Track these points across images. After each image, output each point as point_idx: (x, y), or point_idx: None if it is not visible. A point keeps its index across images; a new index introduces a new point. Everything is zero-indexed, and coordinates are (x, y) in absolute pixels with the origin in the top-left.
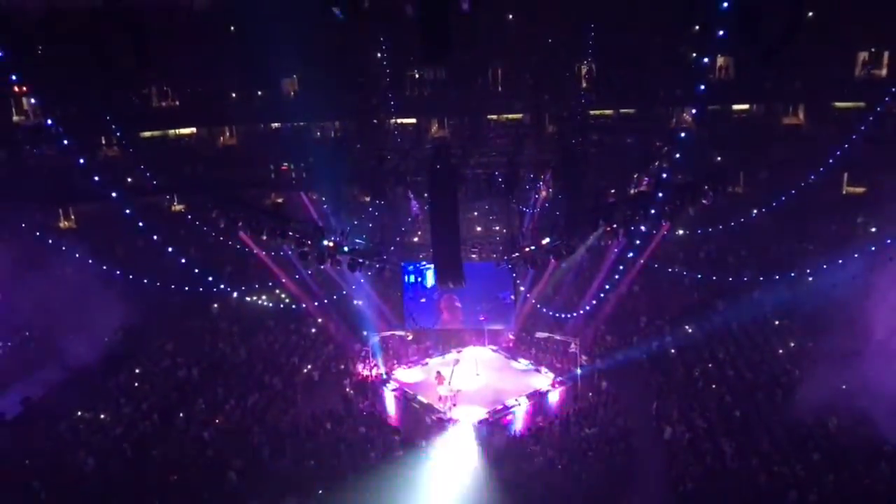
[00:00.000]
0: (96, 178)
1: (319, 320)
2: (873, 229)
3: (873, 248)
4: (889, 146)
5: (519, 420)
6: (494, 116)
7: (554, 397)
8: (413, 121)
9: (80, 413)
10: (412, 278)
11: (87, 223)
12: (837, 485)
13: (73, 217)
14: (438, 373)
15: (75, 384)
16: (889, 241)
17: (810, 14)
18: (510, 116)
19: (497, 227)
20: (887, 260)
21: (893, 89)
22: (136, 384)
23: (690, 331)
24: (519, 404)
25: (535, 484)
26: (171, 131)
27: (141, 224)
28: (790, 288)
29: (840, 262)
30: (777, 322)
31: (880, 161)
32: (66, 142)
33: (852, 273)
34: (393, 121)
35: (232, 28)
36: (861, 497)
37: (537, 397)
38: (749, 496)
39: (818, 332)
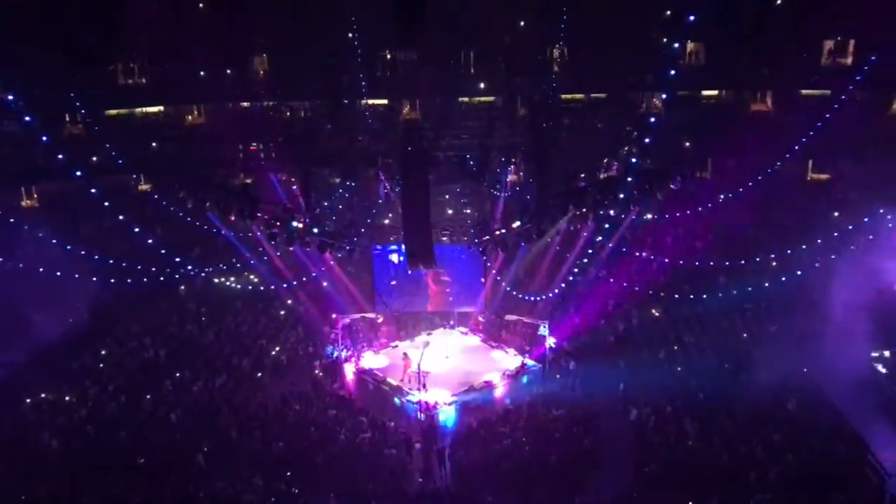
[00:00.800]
0: (60, 157)
1: (289, 302)
2: (836, 214)
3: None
4: (853, 134)
5: (487, 401)
6: (466, 99)
7: (522, 379)
8: (385, 102)
9: (43, 395)
10: (397, 258)
11: (50, 202)
12: (797, 464)
13: (35, 196)
14: (405, 354)
15: (39, 365)
16: (851, 226)
17: (778, 1)
18: (482, 99)
19: (468, 210)
20: (849, 247)
21: (858, 77)
22: (102, 365)
23: (657, 314)
24: (487, 386)
25: (503, 464)
26: (138, 110)
27: (106, 204)
28: (755, 272)
29: (804, 247)
30: (741, 305)
31: (844, 149)
32: (27, 118)
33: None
34: (364, 102)
35: (201, 5)
36: (819, 476)
37: (506, 379)
38: (711, 476)
39: (780, 316)
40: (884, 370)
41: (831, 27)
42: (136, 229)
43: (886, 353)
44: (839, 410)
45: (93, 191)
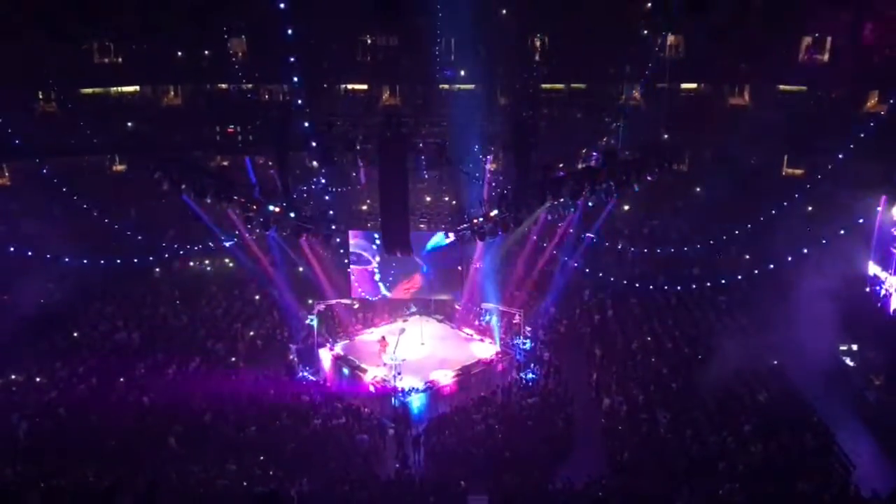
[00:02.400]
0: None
1: (264, 286)
2: (809, 208)
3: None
4: (829, 130)
5: (462, 389)
6: (446, 86)
7: (497, 367)
8: (364, 87)
9: (13, 376)
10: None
11: (21, 180)
12: (765, 454)
13: (7, 174)
14: (382, 338)
15: (8, 346)
16: (824, 221)
17: None
18: (462, 86)
19: (446, 198)
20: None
21: (834, 74)
22: (74, 347)
23: (632, 304)
24: (462, 373)
25: (476, 450)
26: (113, 89)
27: (79, 183)
28: (729, 265)
29: (777, 240)
30: (715, 297)
31: (820, 144)
32: None
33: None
34: (343, 86)
35: None
36: (786, 466)
37: (481, 367)
38: (682, 466)
39: (753, 307)
40: (851, 363)
41: (809, 24)
42: (111, 210)
43: (854, 347)
44: (807, 402)
45: (63, 170)
